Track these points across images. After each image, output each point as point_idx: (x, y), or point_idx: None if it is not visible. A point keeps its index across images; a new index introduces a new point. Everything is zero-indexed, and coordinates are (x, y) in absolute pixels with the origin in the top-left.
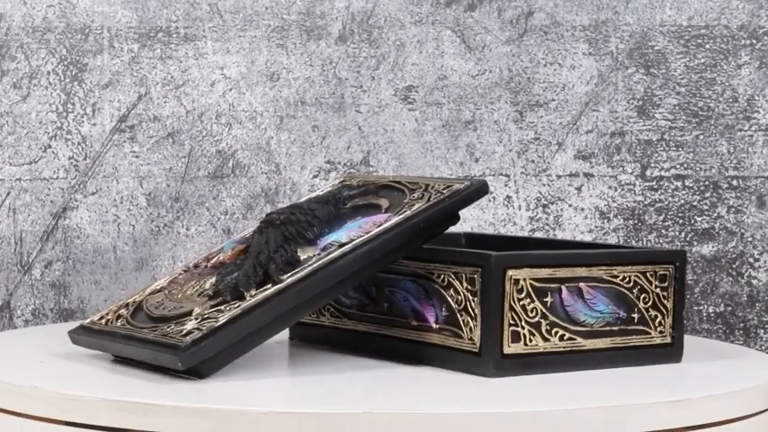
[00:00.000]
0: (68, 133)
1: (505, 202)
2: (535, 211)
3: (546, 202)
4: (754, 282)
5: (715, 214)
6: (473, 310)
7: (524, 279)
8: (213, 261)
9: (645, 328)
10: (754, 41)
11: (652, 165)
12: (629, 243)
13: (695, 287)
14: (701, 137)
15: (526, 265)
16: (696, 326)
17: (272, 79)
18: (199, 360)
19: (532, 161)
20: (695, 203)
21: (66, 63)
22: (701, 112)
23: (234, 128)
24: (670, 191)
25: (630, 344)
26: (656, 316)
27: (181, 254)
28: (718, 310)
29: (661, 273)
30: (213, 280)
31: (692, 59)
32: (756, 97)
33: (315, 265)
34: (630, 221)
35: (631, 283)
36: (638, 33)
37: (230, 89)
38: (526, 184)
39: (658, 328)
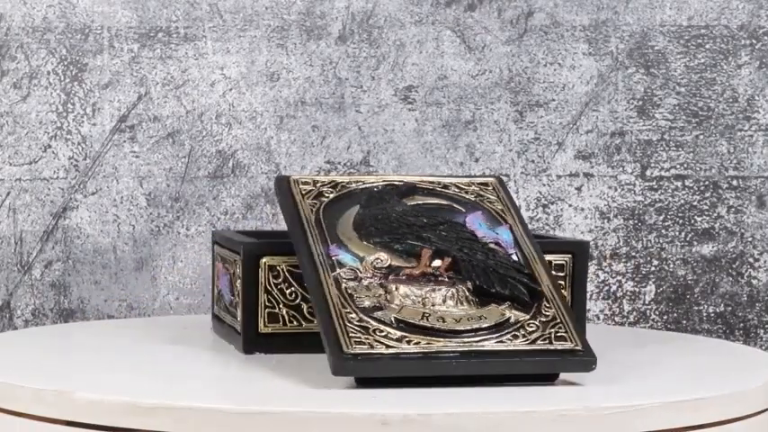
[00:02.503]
0: (68, 133)
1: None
2: (535, 211)
3: (546, 202)
4: (754, 282)
5: (715, 214)
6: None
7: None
8: (383, 272)
9: None
10: (754, 41)
11: (652, 165)
12: (629, 243)
13: (695, 287)
14: (701, 137)
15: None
16: (696, 326)
17: (272, 79)
18: None
19: (532, 161)
20: (695, 203)
21: (66, 63)
22: (701, 112)
23: (234, 128)
24: (670, 191)
25: None
26: None
27: (181, 254)
28: (718, 310)
29: None
30: (469, 286)
31: (692, 59)
32: (756, 97)
33: (537, 260)
34: (630, 221)
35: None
36: (638, 33)
37: (230, 89)
38: (526, 184)
39: None
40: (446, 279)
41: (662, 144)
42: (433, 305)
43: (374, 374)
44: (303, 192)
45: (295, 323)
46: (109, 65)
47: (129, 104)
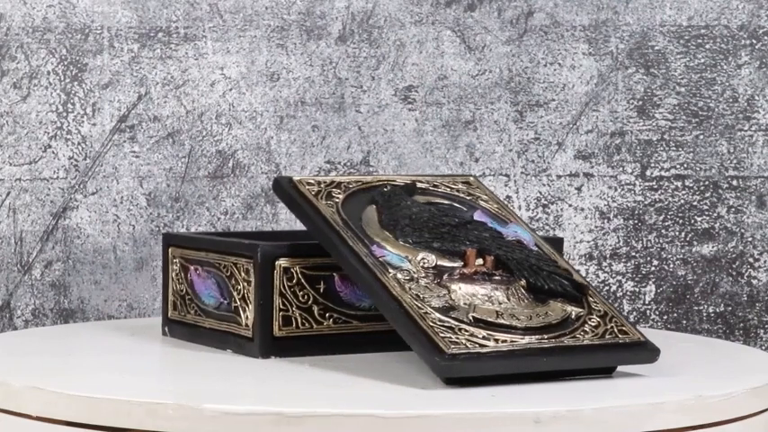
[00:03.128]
0: (68, 133)
1: (505, 202)
2: (535, 211)
3: (546, 202)
4: (754, 282)
5: (715, 214)
6: None
7: None
8: (433, 271)
9: None
10: (754, 41)
11: (652, 165)
12: (629, 243)
13: (695, 287)
14: (701, 137)
15: None
16: (696, 326)
17: (272, 79)
18: None
19: (532, 161)
20: (695, 203)
21: (66, 63)
22: (701, 112)
23: (234, 128)
24: (670, 191)
25: None
26: None
27: None
28: (718, 310)
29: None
30: (522, 284)
31: (692, 59)
32: (756, 97)
33: (558, 256)
34: (630, 221)
35: None
36: (638, 33)
37: (230, 89)
38: (526, 184)
39: None
40: (499, 277)
41: (662, 144)
42: (500, 303)
43: (478, 373)
44: (313, 192)
45: (307, 326)
46: (109, 65)
47: (129, 104)
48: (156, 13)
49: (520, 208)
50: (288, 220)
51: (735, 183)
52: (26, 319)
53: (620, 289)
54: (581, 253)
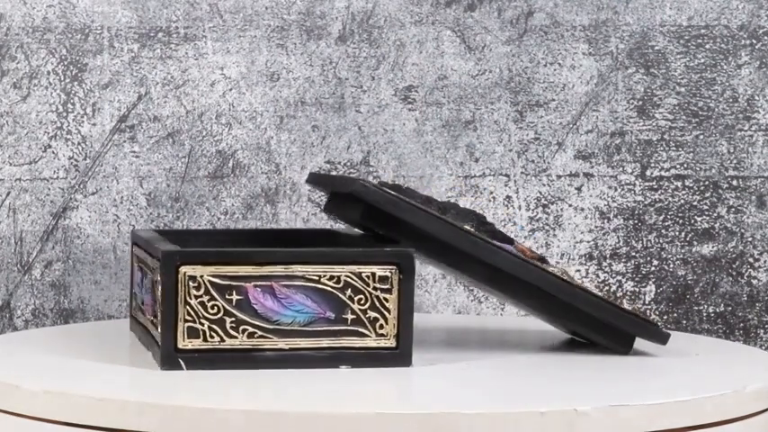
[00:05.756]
0: (68, 133)
1: (505, 202)
2: (535, 211)
3: (546, 202)
4: (754, 282)
5: (715, 214)
6: None
7: None
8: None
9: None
10: (754, 41)
11: (652, 165)
12: (629, 243)
13: (695, 287)
14: (701, 137)
15: None
16: (696, 326)
17: (272, 79)
18: None
19: (532, 161)
20: (695, 203)
21: (66, 63)
22: (701, 112)
23: (234, 128)
24: (670, 191)
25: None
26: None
27: None
28: (718, 310)
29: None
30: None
31: (692, 59)
32: (756, 97)
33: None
34: (630, 221)
35: None
36: (638, 33)
37: (230, 89)
38: (526, 184)
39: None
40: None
41: (662, 144)
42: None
43: None
44: (399, 196)
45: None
46: (109, 65)
47: (129, 104)
48: (156, 13)
49: (520, 208)
50: (288, 220)
51: (735, 183)
52: (26, 319)
53: (620, 289)
54: (581, 253)
